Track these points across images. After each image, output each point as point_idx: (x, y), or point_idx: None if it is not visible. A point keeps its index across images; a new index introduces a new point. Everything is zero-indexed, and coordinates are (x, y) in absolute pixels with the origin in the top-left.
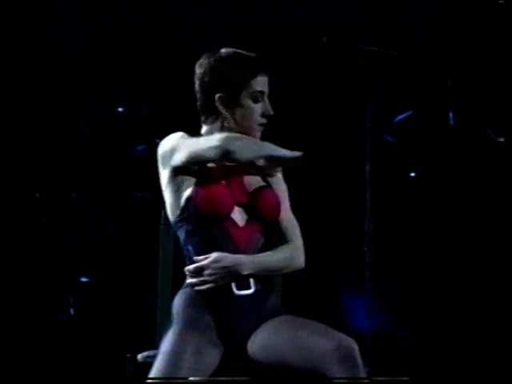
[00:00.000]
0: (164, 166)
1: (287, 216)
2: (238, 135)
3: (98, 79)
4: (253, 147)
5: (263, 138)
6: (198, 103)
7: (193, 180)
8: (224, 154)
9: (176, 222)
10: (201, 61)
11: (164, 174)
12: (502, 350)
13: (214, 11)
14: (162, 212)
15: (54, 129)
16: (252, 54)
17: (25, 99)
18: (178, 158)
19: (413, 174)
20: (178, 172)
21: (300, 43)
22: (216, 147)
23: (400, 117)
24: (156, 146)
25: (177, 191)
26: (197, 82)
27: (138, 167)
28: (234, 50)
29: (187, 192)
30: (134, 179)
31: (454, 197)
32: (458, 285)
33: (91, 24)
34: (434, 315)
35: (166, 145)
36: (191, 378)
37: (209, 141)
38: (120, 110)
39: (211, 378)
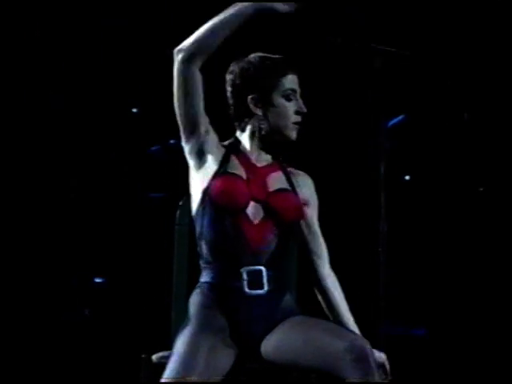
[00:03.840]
0: (187, 156)
1: (320, 234)
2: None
3: (113, 79)
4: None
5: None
6: (232, 109)
7: (212, 172)
8: (187, 51)
9: (194, 215)
10: (230, 68)
11: (190, 166)
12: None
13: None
14: (177, 213)
15: (68, 130)
16: (280, 56)
17: (37, 99)
18: (181, 130)
19: (407, 178)
20: (193, 152)
21: (314, 44)
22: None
23: (393, 121)
24: (171, 146)
25: (197, 185)
26: (228, 89)
27: (154, 168)
28: (262, 54)
29: (205, 184)
30: (149, 180)
31: (449, 199)
32: (459, 286)
33: (104, 24)
34: (435, 315)
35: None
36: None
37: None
38: (134, 110)
39: (225, 379)
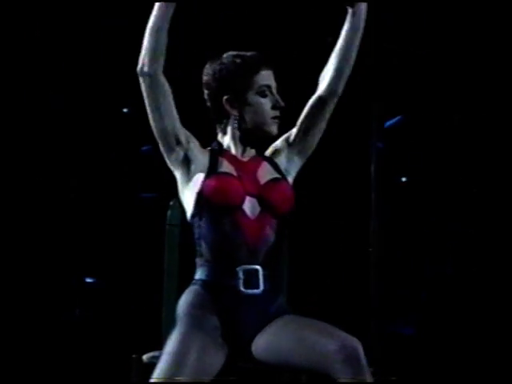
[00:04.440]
0: (173, 168)
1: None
2: None
3: (103, 80)
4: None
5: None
6: (211, 112)
7: (202, 175)
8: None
9: (190, 220)
10: (205, 70)
11: (178, 177)
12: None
13: (218, 12)
14: (168, 213)
15: (67, 130)
16: (253, 52)
17: (37, 99)
18: (162, 146)
19: (404, 179)
20: (179, 163)
21: (305, 43)
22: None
23: (389, 122)
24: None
25: (188, 190)
26: (205, 91)
27: (144, 168)
28: (235, 52)
29: (197, 187)
30: (140, 180)
31: (445, 200)
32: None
33: (97, 25)
34: (434, 314)
35: None
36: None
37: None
38: (125, 110)
39: (215, 379)
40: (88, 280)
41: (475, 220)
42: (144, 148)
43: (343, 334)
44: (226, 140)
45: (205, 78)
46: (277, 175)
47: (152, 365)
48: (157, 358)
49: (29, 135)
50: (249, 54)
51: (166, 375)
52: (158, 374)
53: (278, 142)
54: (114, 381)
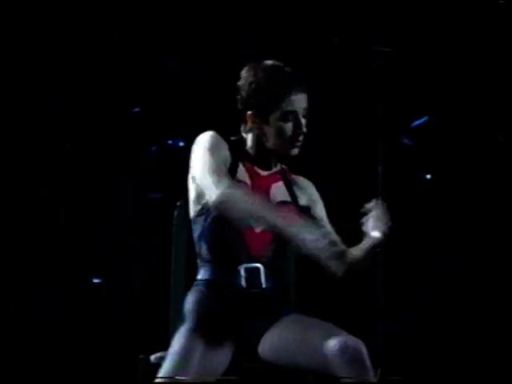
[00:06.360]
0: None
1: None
2: (243, 194)
3: (112, 79)
4: (247, 208)
5: None
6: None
7: None
8: (219, 210)
9: (195, 217)
10: (242, 72)
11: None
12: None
13: (221, 12)
14: (175, 212)
15: (68, 129)
16: (290, 70)
17: (39, 102)
18: (193, 170)
19: (428, 176)
20: None
21: (311, 44)
22: (214, 199)
23: (417, 122)
24: (168, 147)
25: (197, 190)
26: (237, 97)
27: (151, 168)
28: (274, 64)
29: None
30: (146, 180)
31: (468, 197)
32: (470, 287)
33: (108, 25)
34: (439, 314)
35: (197, 143)
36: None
37: (213, 185)
38: (133, 110)
39: (221, 378)
40: (95, 280)
41: (475, 220)
42: (152, 148)
43: (347, 335)
44: (248, 142)
45: (240, 81)
46: (287, 198)
47: (159, 365)
48: (164, 358)
49: (29, 135)
50: (287, 71)
51: (172, 375)
52: (163, 373)
53: (310, 189)
54: (121, 381)
